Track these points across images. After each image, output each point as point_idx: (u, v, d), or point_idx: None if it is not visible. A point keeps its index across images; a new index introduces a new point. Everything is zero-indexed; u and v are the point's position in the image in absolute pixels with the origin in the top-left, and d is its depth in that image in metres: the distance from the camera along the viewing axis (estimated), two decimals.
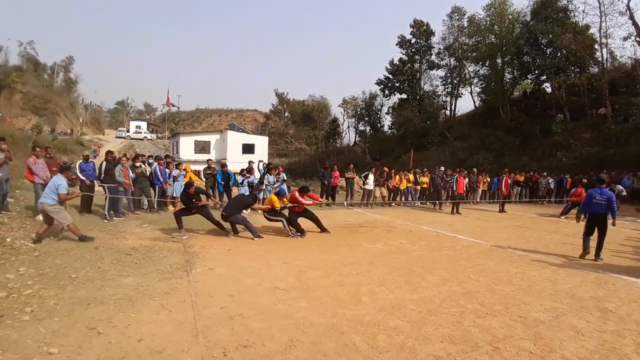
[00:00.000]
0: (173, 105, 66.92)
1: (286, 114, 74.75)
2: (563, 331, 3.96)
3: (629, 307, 4.75)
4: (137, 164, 11.08)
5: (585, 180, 17.80)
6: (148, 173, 11.34)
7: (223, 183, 12.87)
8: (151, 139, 57.33)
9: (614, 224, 7.40)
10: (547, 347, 3.59)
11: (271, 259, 6.56)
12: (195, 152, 36.87)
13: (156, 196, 11.50)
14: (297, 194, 9.18)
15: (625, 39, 29.59)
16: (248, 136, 41.39)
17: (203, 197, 9.15)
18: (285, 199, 9.21)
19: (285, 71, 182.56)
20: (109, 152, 10.44)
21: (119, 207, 10.12)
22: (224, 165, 13.37)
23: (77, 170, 10.11)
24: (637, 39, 27.06)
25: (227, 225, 8.68)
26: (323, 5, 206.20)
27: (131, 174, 10.60)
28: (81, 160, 10.63)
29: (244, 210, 8.95)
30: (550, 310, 4.54)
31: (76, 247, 6.69)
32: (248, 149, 36.87)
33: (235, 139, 37.58)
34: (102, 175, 9.93)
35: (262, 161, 14.98)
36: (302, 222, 8.99)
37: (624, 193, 16.18)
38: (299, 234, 8.75)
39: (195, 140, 38.67)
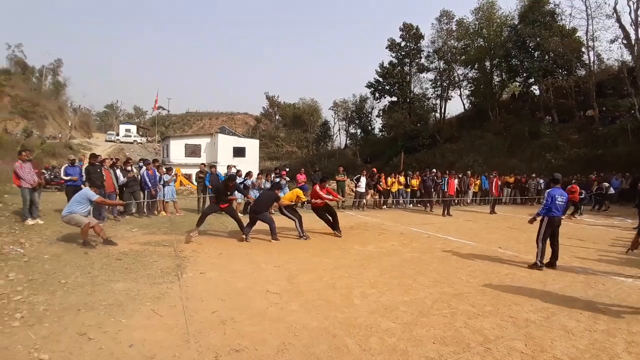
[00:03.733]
0: (161, 109, 66.41)
1: (277, 117, 74.54)
2: (554, 331, 4.00)
3: (619, 307, 4.80)
4: (128, 168, 10.99)
5: (574, 181, 18.02)
6: (139, 178, 11.24)
7: (211, 187, 12.62)
8: (141, 143, 56.82)
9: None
10: (538, 347, 3.62)
11: (262, 262, 6.53)
12: (185, 156, 36.70)
13: (145, 201, 11.42)
14: (317, 188, 9.33)
15: (612, 41, 30.12)
16: (239, 139, 41.34)
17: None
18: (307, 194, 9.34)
19: (277, 74, 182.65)
20: (92, 155, 10.28)
21: (100, 212, 9.76)
22: (212, 167, 13.26)
23: (62, 174, 10.05)
24: (624, 41, 27.50)
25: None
26: (315, 11, 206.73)
27: (122, 178, 10.51)
28: (67, 164, 10.55)
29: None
30: (540, 311, 4.58)
31: (65, 252, 6.61)
32: (239, 152, 36.83)
33: (226, 143, 37.51)
34: (84, 178, 9.81)
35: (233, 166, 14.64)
36: (317, 222, 9.47)
37: (612, 191, 16.44)
38: (305, 235, 8.84)
39: (186, 144, 38.49)
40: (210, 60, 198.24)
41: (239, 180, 12.92)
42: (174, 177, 12.24)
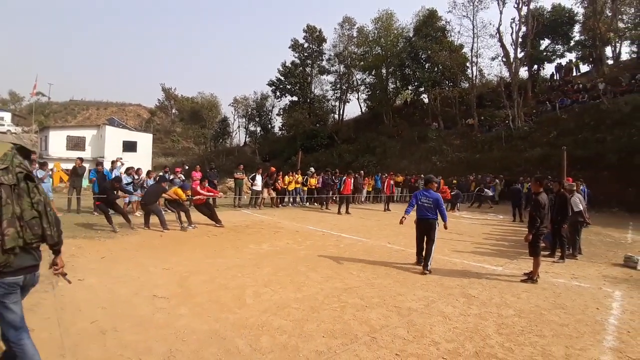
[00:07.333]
0: (41, 95, 59.19)
1: (173, 111, 71.05)
2: (433, 317, 4.40)
3: (490, 293, 5.44)
4: None
5: (455, 182, 20.10)
6: None
7: (92, 180, 11.84)
8: (15, 133, 50.00)
9: (445, 227, 6.77)
10: (419, 332, 3.96)
11: (150, 265, 6.18)
12: (67, 149, 33.28)
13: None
14: (197, 187, 10.53)
15: (493, 58, 35.44)
16: (130, 133, 38.68)
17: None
18: (188, 192, 10.14)
19: (175, 65, 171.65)
20: None
21: None
22: (98, 164, 12.26)
23: None
24: (504, 59, 31.35)
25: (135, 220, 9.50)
26: (219, 3, 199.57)
27: None
28: None
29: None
30: (422, 299, 5.01)
31: None
32: (130, 146, 34.41)
33: (115, 136, 34.90)
34: None
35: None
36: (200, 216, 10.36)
37: (491, 194, 18.71)
38: (193, 225, 9.75)
39: (68, 136, 34.92)
40: (99, 44, 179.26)
41: (126, 179, 12.14)
42: (49, 173, 10.98)
